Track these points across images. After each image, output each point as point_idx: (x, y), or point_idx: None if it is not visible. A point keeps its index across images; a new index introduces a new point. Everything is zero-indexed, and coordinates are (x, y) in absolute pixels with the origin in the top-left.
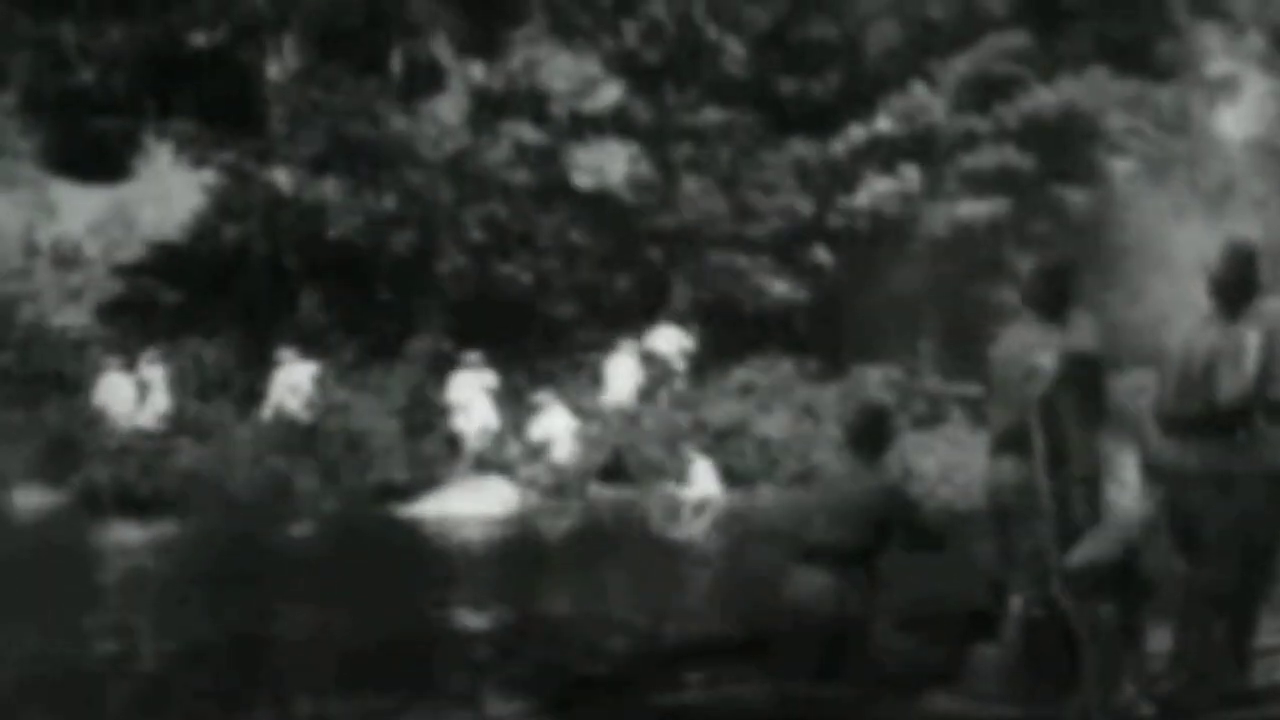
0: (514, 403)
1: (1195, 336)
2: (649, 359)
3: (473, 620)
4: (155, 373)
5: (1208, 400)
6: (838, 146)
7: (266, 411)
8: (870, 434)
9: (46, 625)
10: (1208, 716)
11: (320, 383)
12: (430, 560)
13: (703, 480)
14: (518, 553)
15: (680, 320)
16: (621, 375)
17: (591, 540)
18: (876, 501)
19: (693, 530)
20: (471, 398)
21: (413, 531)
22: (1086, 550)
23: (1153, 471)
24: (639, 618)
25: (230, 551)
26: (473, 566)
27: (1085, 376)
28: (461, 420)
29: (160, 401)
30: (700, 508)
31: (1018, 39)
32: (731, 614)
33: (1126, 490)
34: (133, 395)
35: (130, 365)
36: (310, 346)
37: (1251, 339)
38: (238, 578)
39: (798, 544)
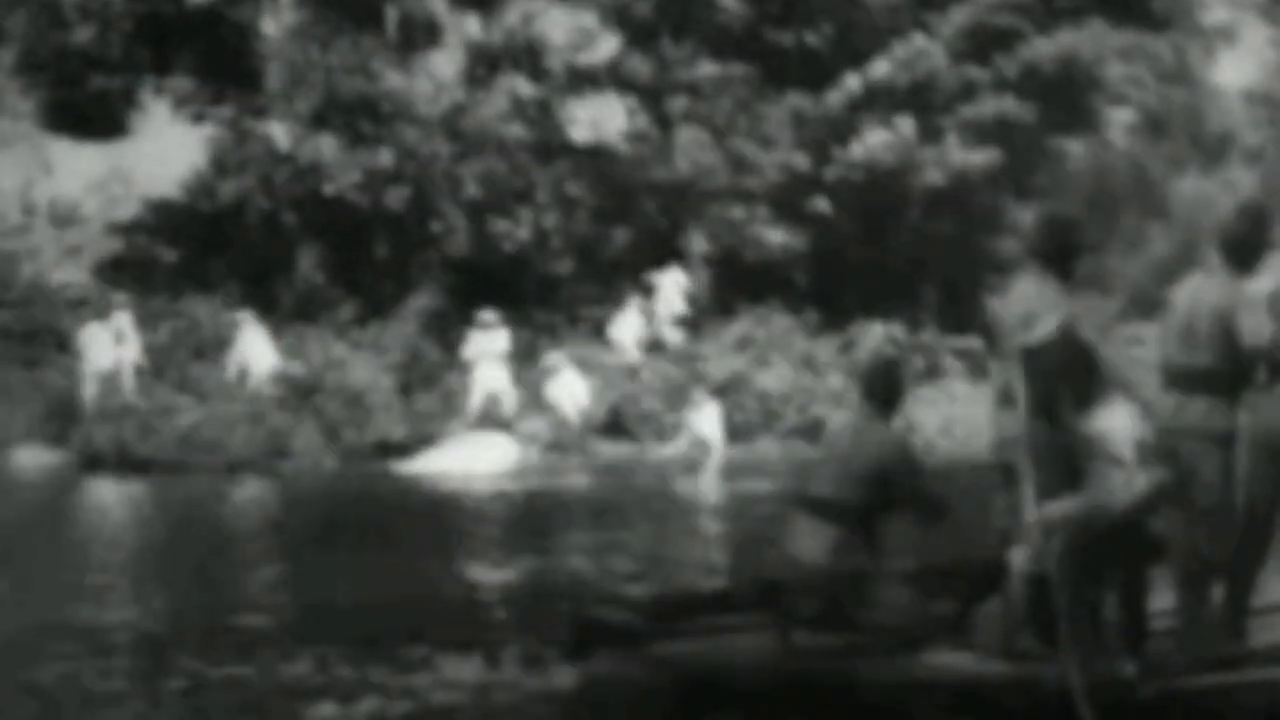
0: (526, 363)
1: (1201, 291)
2: (648, 309)
3: (488, 575)
4: (125, 319)
5: (1215, 356)
6: (834, 97)
7: (231, 370)
8: (883, 387)
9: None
10: (1194, 678)
11: (319, 341)
12: (440, 517)
13: (706, 425)
14: (527, 509)
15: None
16: (625, 332)
17: (599, 495)
18: (887, 458)
19: (698, 484)
20: (484, 357)
21: (417, 489)
22: (1058, 507)
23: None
24: (649, 571)
25: (241, 511)
26: (484, 523)
27: (1078, 358)
28: (474, 379)
29: (132, 348)
30: (699, 458)
31: None
32: (740, 567)
33: (1117, 463)
34: (110, 342)
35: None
36: (308, 304)
37: (1259, 296)
38: (249, 537)
39: (801, 496)
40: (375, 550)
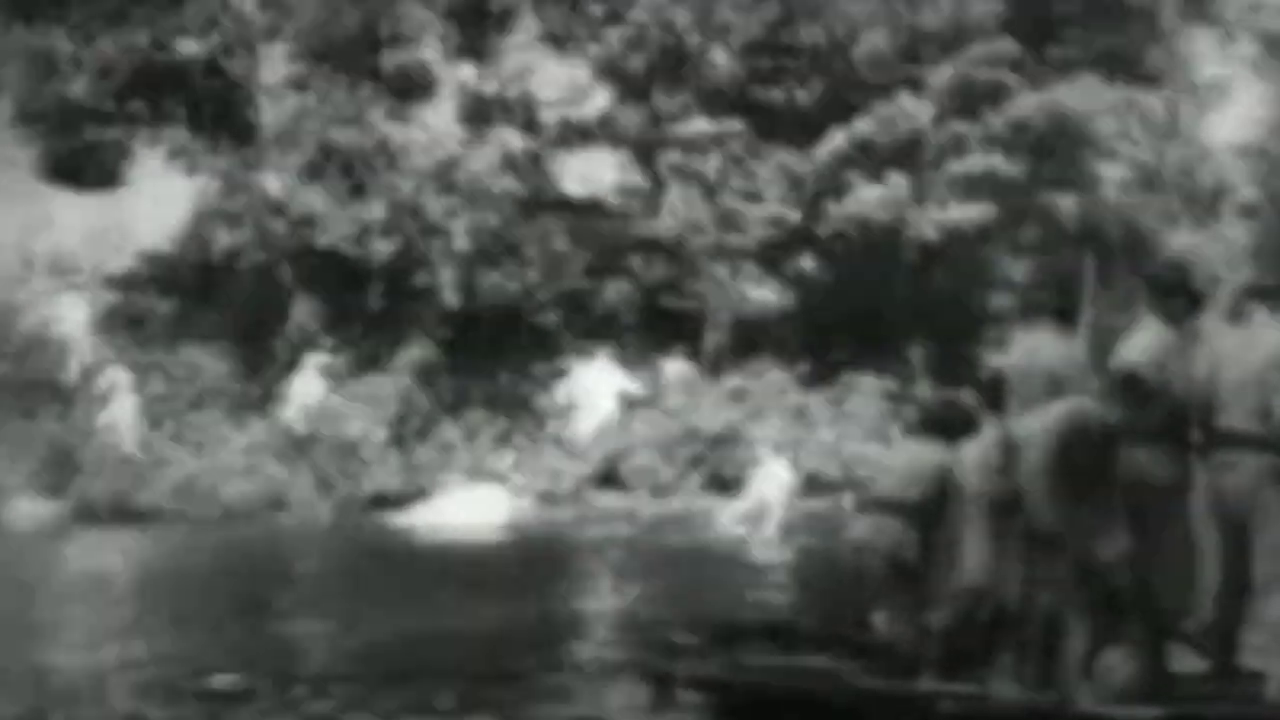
0: (523, 413)
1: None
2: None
3: (567, 610)
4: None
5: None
6: (823, 153)
7: (289, 412)
8: (942, 419)
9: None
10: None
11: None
12: (470, 565)
13: (770, 485)
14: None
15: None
16: (601, 386)
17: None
18: (942, 473)
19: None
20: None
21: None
22: None
23: None
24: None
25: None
26: (530, 571)
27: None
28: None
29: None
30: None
31: (1006, 45)
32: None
33: None
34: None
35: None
36: (301, 354)
37: None
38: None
39: (865, 499)
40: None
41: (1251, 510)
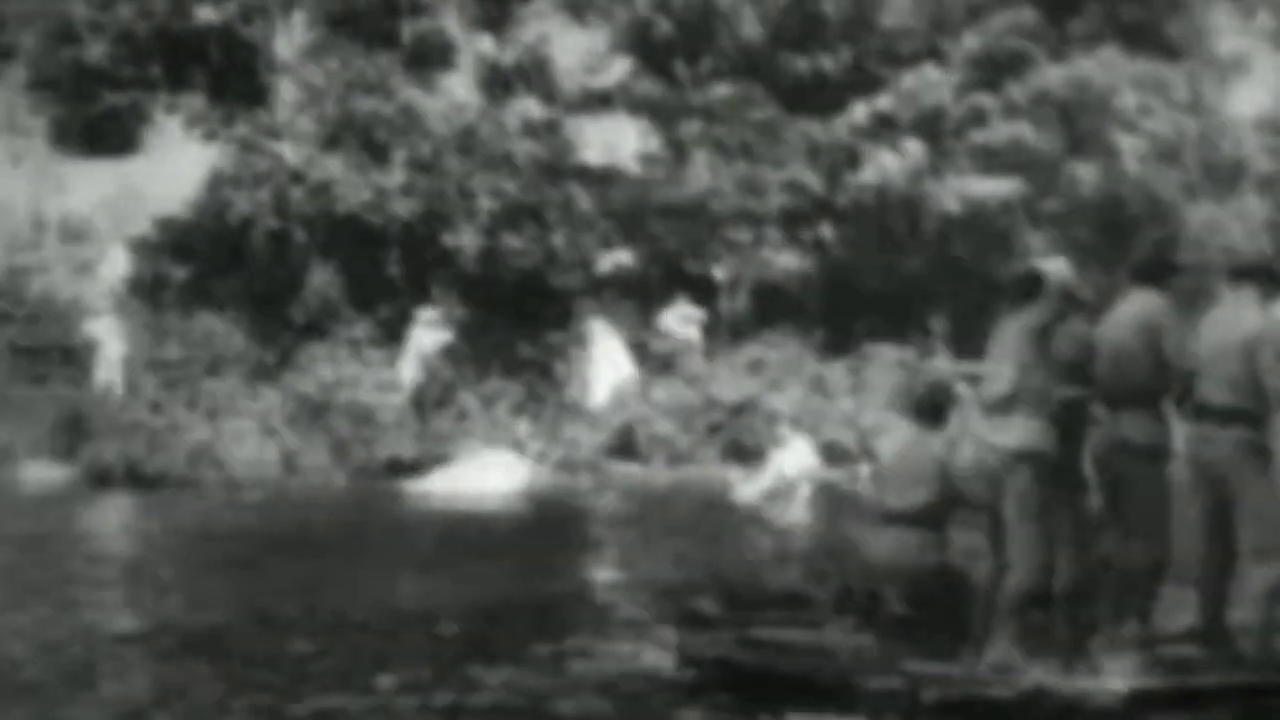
0: (551, 381)
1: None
2: (661, 337)
3: (585, 580)
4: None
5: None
6: (843, 123)
7: (407, 370)
8: (932, 406)
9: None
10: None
11: (330, 359)
12: (499, 532)
13: (792, 462)
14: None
15: (691, 296)
16: (615, 354)
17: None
18: (941, 466)
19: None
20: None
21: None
22: None
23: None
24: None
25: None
26: (554, 537)
27: None
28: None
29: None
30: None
31: (1024, 14)
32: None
33: None
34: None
35: None
36: (320, 321)
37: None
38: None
39: (877, 512)
40: (476, 559)
41: (1232, 481)
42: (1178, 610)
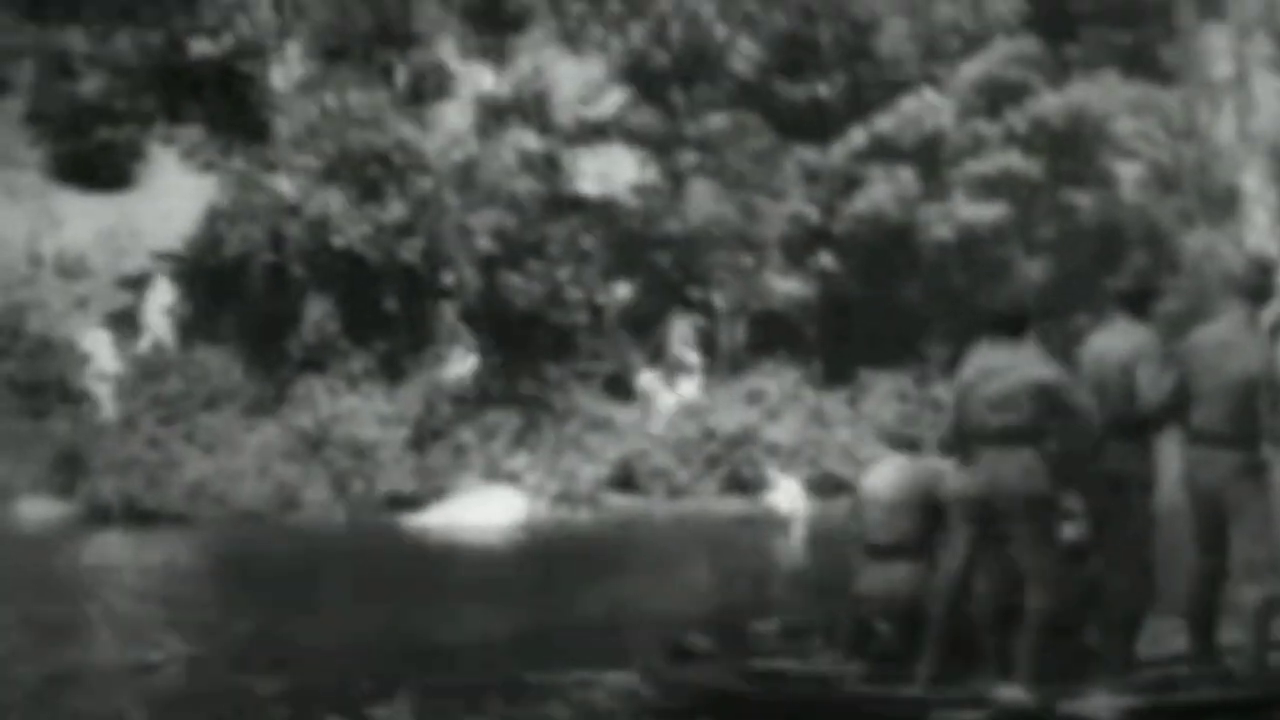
0: (539, 413)
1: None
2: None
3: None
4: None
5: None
6: (839, 150)
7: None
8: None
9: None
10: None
11: (328, 393)
12: (496, 566)
13: (785, 501)
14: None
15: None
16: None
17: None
18: (924, 489)
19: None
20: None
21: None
22: None
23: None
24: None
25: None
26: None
27: None
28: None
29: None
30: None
31: (1027, 44)
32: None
33: None
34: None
35: None
36: (318, 355)
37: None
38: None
39: (864, 546)
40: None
41: (1229, 500)
42: (1166, 639)
